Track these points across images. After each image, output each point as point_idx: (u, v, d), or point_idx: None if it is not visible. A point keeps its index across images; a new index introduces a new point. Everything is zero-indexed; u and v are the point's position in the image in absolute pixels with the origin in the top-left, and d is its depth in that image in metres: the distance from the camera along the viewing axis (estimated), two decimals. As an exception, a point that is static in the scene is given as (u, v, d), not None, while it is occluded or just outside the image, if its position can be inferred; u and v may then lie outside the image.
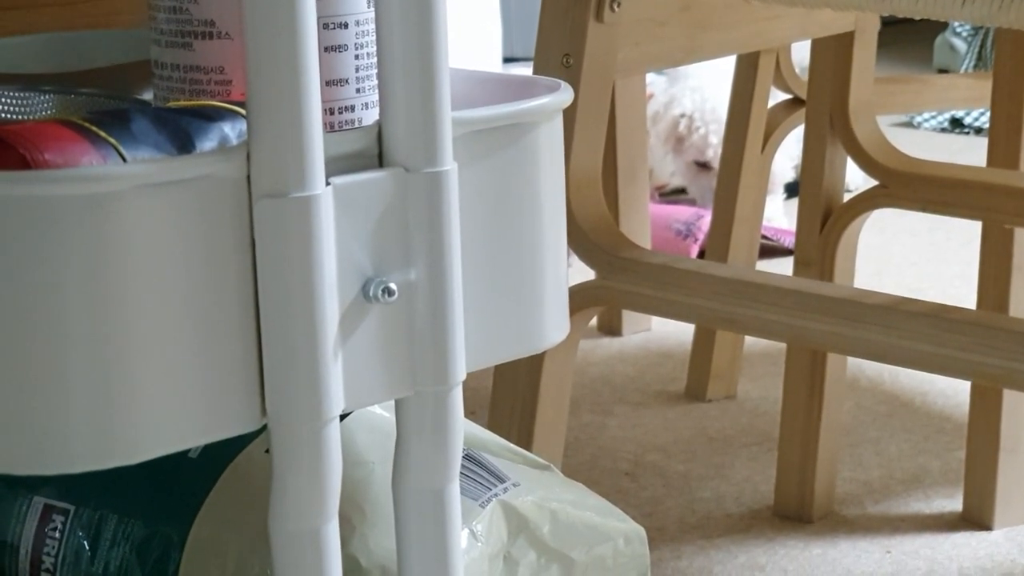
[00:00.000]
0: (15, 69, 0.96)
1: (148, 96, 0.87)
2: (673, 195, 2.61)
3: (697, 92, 2.53)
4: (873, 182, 1.47)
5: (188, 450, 0.87)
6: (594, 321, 2.08)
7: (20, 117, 0.85)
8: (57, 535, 0.87)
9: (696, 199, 2.53)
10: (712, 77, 2.52)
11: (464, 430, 0.89)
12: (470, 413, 1.49)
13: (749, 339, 1.89)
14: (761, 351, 1.95)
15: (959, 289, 2.19)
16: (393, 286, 0.70)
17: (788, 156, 2.47)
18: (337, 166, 0.69)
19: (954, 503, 1.56)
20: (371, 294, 0.70)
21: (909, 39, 3.70)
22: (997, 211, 1.41)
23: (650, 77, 2.56)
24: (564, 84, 0.79)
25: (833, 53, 1.48)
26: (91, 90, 0.90)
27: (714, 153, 2.48)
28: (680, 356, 1.95)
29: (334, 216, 0.68)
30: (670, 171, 2.58)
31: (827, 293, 1.16)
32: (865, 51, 1.48)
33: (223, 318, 0.67)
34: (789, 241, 2.27)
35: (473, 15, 2.52)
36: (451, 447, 0.73)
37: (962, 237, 2.38)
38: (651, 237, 2.11)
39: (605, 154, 1.99)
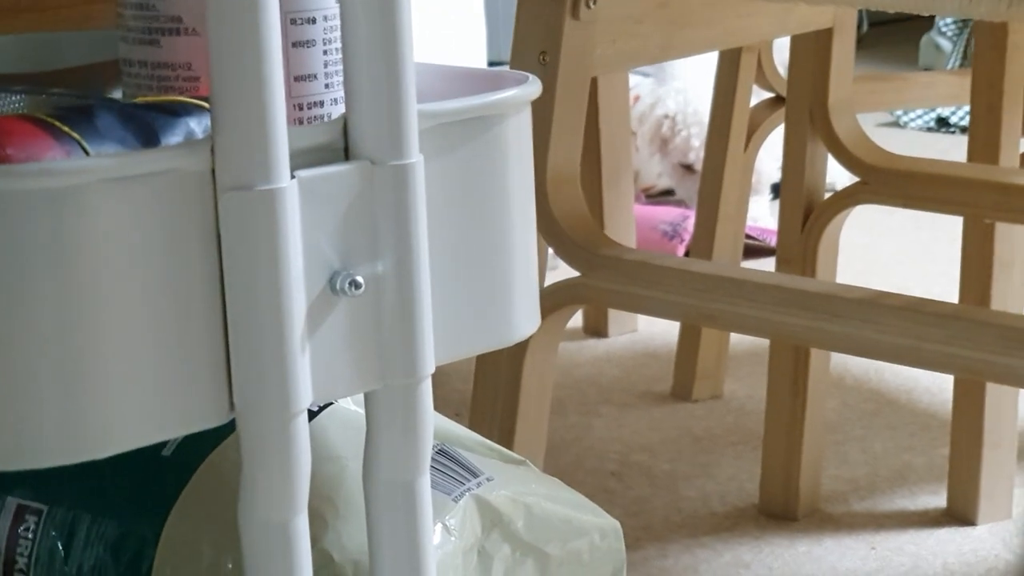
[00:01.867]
0: (-13, 70, 0.96)
1: (118, 95, 0.87)
2: (660, 196, 2.61)
3: (681, 94, 2.53)
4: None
5: (162, 448, 0.86)
6: (580, 323, 2.08)
7: (-10, 117, 0.85)
8: (30, 535, 0.86)
9: (684, 200, 2.53)
10: (697, 79, 2.52)
11: (438, 425, 0.89)
12: (455, 415, 1.49)
13: (735, 339, 1.89)
14: (747, 351, 1.95)
15: (944, 287, 2.19)
16: (360, 279, 0.70)
17: (774, 157, 2.47)
18: (303, 159, 0.69)
19: (939, 499, 1.56)
20: (338, 287, 0.70)
21: (894, 40, 3.70)
22: (977, 206, 1.41)
23: (636, 79, 2.56)
24: (532, 76, 0.78)
25: (812, 50, 1.48)
26: (62, 90, 0.90)
27: (696, 156, 2.48)
28: (666, 357, 1.95)
29: (300, 209, 0.68)
30: (657, 172, 2.58)
31: (807, 288, 1.16)
32: (844, 48, 1.48)
33: (189, 312, 0.67)
34: (775, 241, 2.27)
35: (457, 19, 2.52)
36: (421, 440, 0.73)
37: (947, 236, 2.38)
38: (637, 238, 2.11)
39: (589, 156, 2.00)
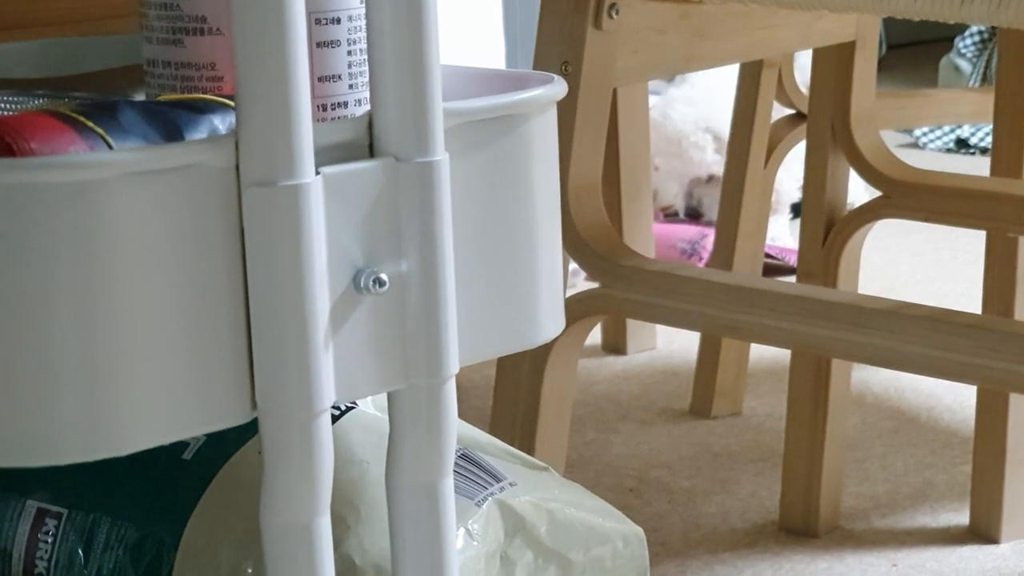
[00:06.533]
0: (9, 74, 0.96)
1: (140, 98, 0.87)
2: (677, 216, 2.61)
3: (691, 106, 2.52)
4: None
5: (182, 452, 0.86)
6: (599, 340, 2.07)
7: (12, 118, 0.85)
8: (50, 539, 0.86)
9: (698, 208, 2.52)
10: (711, 95, 2.52)
11: (460, 431, 0.88)
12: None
13: (754, 356, 1.88)
14: (767, 368, 1.94)
15: (964, 306, 2.17)
16: (384, 277, 0.69)
17: (793, 176, 2.46)
18: (327, 156, 0.69)
19: (961, 517, 1.55)
20: (362, 285, 0.69)
21: (914, 62, 3.69)
22: (1000, 220, 1.40)
23: (651, 100, 2.56)
24: (557, 77, 0.78)
25: (834, 63, 1.48)
26: (84, 93, 0.89)
27: (714, 168, 2.47)
28: (685, 374, 1.94)
29: (324, 206, 0.68)
30: (675, 192, 2.58)
31: (829, 298, 1.15)
32: (866, 61, 1.48)
33: (212, 308, 0.66)
34: (794, 260, 2.26)
35: (476, 34, 2.52)
36: (444, 441, 0.72)
37: (966, 256, 2.37)
38: (655, 255, 2.10)
39: (608, 171, 1.99)
